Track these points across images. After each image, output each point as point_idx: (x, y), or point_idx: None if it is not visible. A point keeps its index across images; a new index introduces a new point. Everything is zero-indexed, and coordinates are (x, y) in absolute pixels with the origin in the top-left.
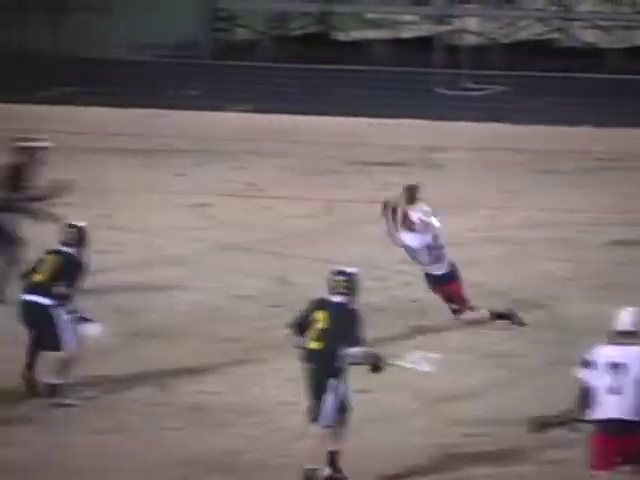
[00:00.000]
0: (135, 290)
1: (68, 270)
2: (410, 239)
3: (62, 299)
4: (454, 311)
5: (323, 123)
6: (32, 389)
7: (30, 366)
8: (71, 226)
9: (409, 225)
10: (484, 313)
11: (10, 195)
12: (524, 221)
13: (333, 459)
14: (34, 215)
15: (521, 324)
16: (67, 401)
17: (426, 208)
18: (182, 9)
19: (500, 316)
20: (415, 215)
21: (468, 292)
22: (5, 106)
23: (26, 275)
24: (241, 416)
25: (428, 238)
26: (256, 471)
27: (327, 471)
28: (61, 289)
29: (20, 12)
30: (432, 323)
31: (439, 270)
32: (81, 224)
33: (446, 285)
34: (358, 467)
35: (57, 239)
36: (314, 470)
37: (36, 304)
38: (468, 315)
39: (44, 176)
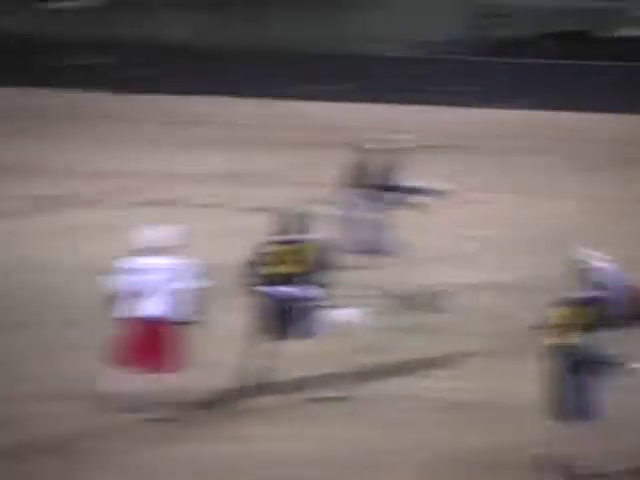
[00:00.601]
0: (398, 286)
1: (320, 259)
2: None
3: (314, 288)
4: None
5: (587, 120)
6: (244, 380)
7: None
8: (299, 215)
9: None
10: None
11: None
12: None
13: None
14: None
15: None
16: (329, 394)
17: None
18: (449, 6)
19: None
20: (601, 261)
21: None
22: (286, 103)
23: (257, 266)
24: (497, 413)
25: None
26: (512, 470)
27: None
28: (312, 278)
29: (297, 11)
30: None
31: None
32: (305, 212)
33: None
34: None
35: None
36: (571, 467)
37: (286, 294)
38: None
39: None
